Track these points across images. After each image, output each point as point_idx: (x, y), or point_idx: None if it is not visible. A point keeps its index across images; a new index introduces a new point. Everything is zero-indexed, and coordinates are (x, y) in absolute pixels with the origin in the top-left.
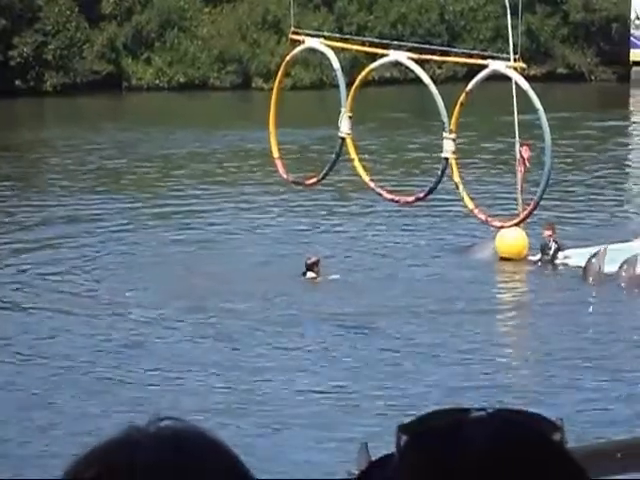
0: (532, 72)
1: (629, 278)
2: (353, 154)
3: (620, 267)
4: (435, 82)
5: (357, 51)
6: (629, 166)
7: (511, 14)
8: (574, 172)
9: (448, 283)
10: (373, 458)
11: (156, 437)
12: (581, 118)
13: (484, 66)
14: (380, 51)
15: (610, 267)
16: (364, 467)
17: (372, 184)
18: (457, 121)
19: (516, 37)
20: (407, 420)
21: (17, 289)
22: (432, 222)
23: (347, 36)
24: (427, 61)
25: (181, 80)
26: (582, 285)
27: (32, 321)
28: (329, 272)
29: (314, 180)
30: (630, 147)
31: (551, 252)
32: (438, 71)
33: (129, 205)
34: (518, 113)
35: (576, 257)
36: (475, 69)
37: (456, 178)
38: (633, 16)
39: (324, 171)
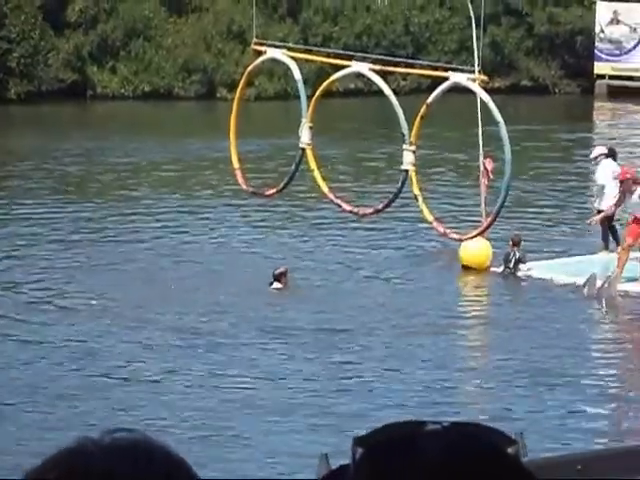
0: (496, 84)
1: (589, 295)
2: (313, 165)
3: (583, 286)
4: (399, 94)
5: (321, 62)
6: (593, 179)
7: (476, 26)
8: (538, 184)
9: (409, 294)
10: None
11: (109, 448)
12: (545, 130)
13: (446, 78)
14: (343, 62)
15: (571, 280)
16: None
17: (331, 195)
18: (418, 133)
19: (479, 49)
20: (362, 432)
21: None
22: (392, 232)
23: (312, 47)
24: (391, 73)
25: (146, 89)
26: (542, 298)
27: None
28: (296, 283)
29: (274, 191)
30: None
31: (511, 264)
32: (402, 83)
33: (90, 212)
34: (482, 125)
35: (538, 269)
36: (439, 81)
37: (416, 190)
38: (598, 29)
39: (284, 182)
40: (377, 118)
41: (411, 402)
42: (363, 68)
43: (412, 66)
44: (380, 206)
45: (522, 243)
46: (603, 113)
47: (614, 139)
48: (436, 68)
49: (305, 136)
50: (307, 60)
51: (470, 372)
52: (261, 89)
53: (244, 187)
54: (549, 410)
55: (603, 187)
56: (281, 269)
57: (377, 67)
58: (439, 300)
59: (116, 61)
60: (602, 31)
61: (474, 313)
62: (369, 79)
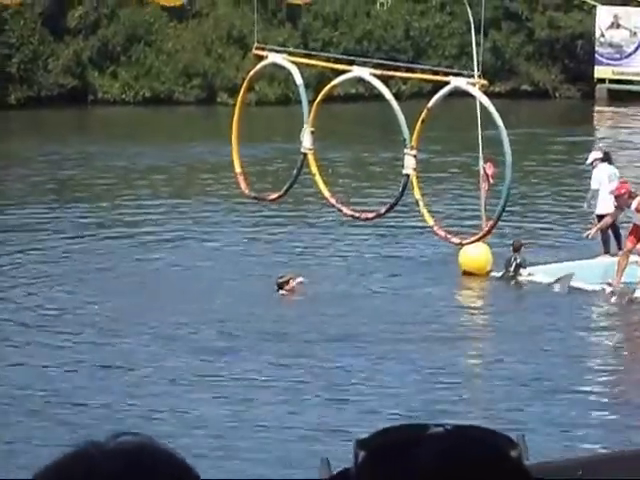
0: (497, 89)
1: (561, 293)
2: (314, 170)
3: (555, 282)
4: (400, 98)
5: (322, 67)
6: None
7: (476, 31)
8: (539, 188)
9: (409, 300)
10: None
11: (113, 452)
12: (546, 135)
13: (447, 83)
14: (344, 67)
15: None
16: None
17: (333, 200)
18: (419, 137)
19: (480, 54)
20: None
21: None
22: (393, 237)
23: (312, 52)
24: (392, 77)
25: (147, 94)
26: (542, 304)
27: None
28: (300, 289)
29: (276, 195)
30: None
31: (512, 269)
32: (403, 87)
33: (91, 217)
34: (482, 129)
35: (540, 274)
36: (439, 86)
37: (417, 195)
38: (598, 34)
39: (286, 186)
40: (377, 123)
41: (411, 409)
42: (364, 73)
43: (413, 71)
44: (382, 210)
45: (523, 248)
46: (604, 117)
47: (615, 143)
48: (436, 73)
49: (307, 141)
50: (308, 65)
51: (470, 379)
52: (261, 94)
53: (246, 192)
54: (550, 417)
55: (597, 191)
56: (287, 277)
57: (378, 72)
58: (438, 306)
59: (117, 66)
60: (602, 35)
61: (474, 319)
62: (370, 84)
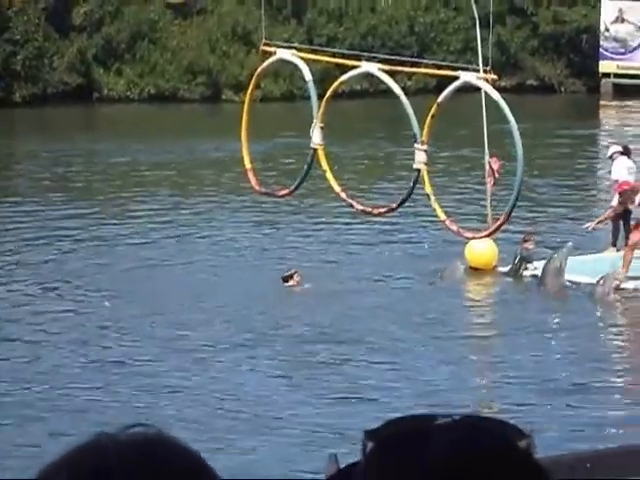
0: (502, 83)
1: (555, 287)
2: (325, 165)
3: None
4: (406, 94)
5: (328, 62)
6: (600, 176)
7: (480, 26)
8: (545, 182)
9: (415, 295)
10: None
11: (125, 443)
12: (551, 129)
13: (454, 77)
14: (351, 62)
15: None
16: (330, 476)
17: (343, 195)
18: (429, 132)
19: (486, 49)
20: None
21: None
22: (405, 232)
23: (317, 48)
24: (398, 72)
25: (151, 91)
26: (551, 300)
27: None
28: (305, 282)
29: (286, 191)
30: (601, 157)
31: (516, 262)
32: (409, 83)
33: (95, 214)
34: (488, 124)
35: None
36: (445, 81)
37: (428, 189)
38: (603, 28)
39: (296, 182)
40: (384, 118)
41: (418, 404)
42: (373, 68)
43: (419, 66)
44: (393, 205)
45: (532, 242)
46: (609, 111)
47: (620, 137)
48: (442, 68)
49: (316, 136)
50: (315, 61)
51: (478, 375)
52: (267, 90)
53: (256, 188)
54: (560, 414)
55: (616, 182)
56: (292, 271)
57: (386, 67)
58: (444, 301)
59: (121, 64)
60: (607, 30)
61: (480, 316)
62: (378, 79)
